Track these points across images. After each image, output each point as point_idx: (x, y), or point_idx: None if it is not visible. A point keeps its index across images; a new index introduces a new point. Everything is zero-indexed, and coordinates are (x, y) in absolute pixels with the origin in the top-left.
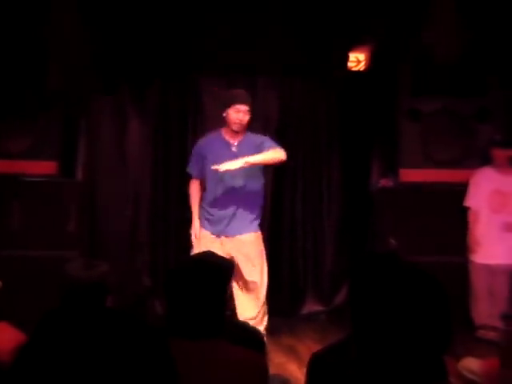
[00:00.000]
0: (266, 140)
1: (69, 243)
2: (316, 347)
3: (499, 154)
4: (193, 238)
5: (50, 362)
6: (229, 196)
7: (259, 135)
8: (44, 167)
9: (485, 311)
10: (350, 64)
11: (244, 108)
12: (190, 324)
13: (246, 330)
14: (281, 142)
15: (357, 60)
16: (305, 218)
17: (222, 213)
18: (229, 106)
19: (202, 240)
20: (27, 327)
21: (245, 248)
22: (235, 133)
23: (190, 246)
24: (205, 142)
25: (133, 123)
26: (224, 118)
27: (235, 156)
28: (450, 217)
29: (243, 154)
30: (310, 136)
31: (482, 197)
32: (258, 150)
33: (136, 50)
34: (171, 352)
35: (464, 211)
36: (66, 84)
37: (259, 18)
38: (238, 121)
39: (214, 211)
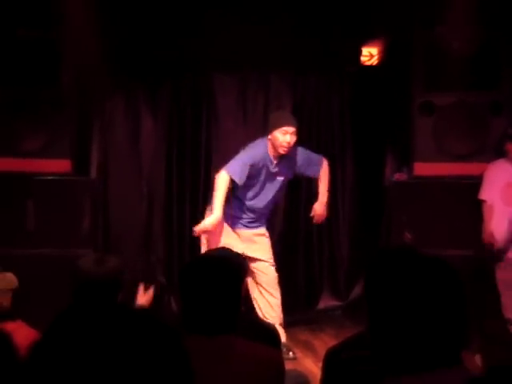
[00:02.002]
0: (309, 157)
1: (83, 241)
2: (332, 342)
3: None
4: (209, 225)
5: (64, 358)
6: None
7: (298, 149)
8: (58, 166)
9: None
10: (362, 58)
11: (292, 130)
12: (206, 320)
13: (260, 325)
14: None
15: (370, 54)
16: None
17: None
18: (276, 128)
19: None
20: (42, 325)
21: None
22: (280, 154)
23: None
24: (259, 159)
25: (146, 121)
26: (269, 140)
27: (273, 176)
28: (464, 210)
29: (282, 173)
30: (324, 132)
31: (496, 190)
32: (299, 167)
33: (149, 47)
34: (185, 348)
35: (479, 204)
36: (79, 82)
37: (271, 15)
38: (285, 144)
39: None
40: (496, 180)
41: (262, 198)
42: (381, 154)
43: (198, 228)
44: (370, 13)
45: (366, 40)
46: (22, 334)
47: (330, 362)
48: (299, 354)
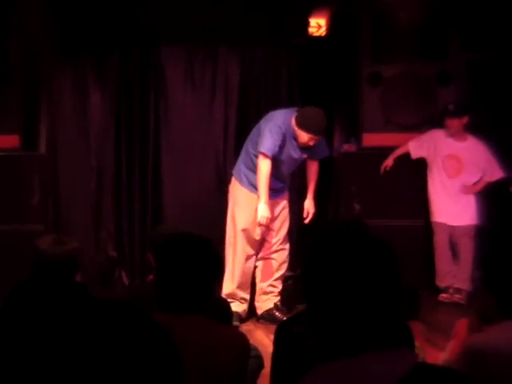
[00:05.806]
0: (322, 143)
1: (33, 217)
2: None
3: (454, 122)
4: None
5: (20, 337)
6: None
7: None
8: (6, 141)
9: (448, 273)
10: (310, 29)
11: (317, 137)
12: (180, 299)
13: (213, 300)
14: (242, 109)
15: (317, 25)
16: None
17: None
18: (304, 129)
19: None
20: None
21: None
22: None
23: (155, 216)
24: (285, 128)
25: (94, 95)
26: (295, 129)
27: (296, 159)
28: (412, 180)
29: (303, 151)
30: (272, 102)
31: (438, 160)
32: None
33: (95, 20)
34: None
35: (425, 174)
36: (26, 57)
37: None
38: (306, 145)
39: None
40: (437, 148)
41: (283, 168)
42: (329, 125)
43: (260, 227)
44: None
45: (314, 11)
46: None
47: (282, 336)
48: (251, 327)
